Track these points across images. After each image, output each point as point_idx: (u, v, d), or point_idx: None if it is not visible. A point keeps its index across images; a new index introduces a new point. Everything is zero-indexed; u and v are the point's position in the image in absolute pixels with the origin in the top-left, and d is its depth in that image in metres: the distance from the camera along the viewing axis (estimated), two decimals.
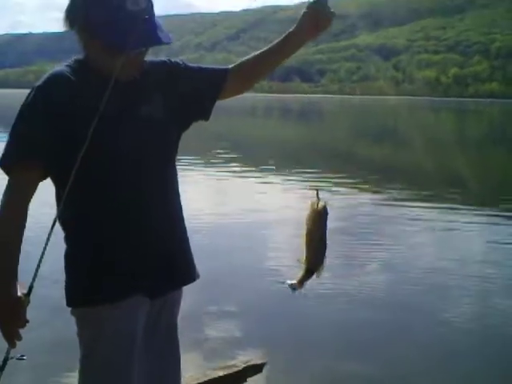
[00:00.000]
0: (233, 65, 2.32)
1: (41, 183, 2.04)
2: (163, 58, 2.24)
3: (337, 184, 12.42)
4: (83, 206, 2.04)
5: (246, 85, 2.37)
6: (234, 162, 16.98)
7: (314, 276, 2.14)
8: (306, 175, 13.98)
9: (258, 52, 2.31)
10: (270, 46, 2.29)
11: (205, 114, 2.29)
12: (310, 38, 2.26)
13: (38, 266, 1.95)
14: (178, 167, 2.22)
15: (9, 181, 1.98)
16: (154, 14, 2.03)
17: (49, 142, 1.96)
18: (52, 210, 2.01)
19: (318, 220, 2.08)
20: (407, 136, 29.39)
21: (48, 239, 1.93)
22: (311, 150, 21.67)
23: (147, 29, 1.98)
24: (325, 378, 4.21)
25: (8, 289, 1.94)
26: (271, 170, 15.34)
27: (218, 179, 13.60)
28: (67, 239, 2.10)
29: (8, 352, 1.97)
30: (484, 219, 9.76)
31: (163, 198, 2.14)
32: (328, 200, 2.10)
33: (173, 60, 2.24)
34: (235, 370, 3.99)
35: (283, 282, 2.20)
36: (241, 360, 4.12)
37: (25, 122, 1.99)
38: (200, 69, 2.28)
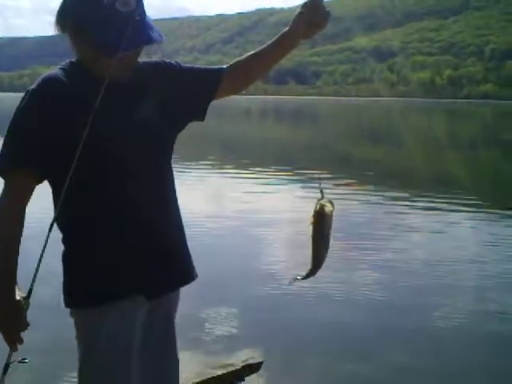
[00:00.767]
0: (228, 65, 2.31)
1: (40, 186, 2.05)
2: (157, 59, 2.24)
3: (333, 185, 12.44)
4: (80, 208, 2.04)
5: (240, 85, 2.37)
6: (229, 163, 16.98)
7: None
8: (301, 176, 14.00)
9: (253, 52, 2.31)
10: (264, 46, 2.29)
11: (200, 115, 2.29)
12: (305, 37, 2.25)
13: (37, 269, 1.95)
14: (173, 169, 2.24)
15: (4, 185, 1.99)
16: (145, 13, 2.02)
17: (43, 148, 1.96)
18: (50, 212, 2.02)
19: (325, 219, 2.07)
20: (402, 138, 29.41)
21: (46, 241, 1.94)
22: (306, 151, 21.67)
23: (138, 29, 1.97)
24: (322, 377, 4.22)
25: (7, 293, 1.95)
26: (266, 171, 15.34)
27: (213, 181, 13.61)
28: (65, 241, 2.11)
29: (10, 356, 1.97)
30: (477, 219, 9.81)
31: (160, 199, 2.14)
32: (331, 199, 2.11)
33: (167, 61, 2.24)
34: (233, 369, 4.01)
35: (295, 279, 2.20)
36: (238, 359, 4.15)
37: (19, 128, 1.99)
38: (194, 69, 2.28)
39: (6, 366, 1.98)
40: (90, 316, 2.07)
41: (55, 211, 2.02)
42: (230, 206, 10.53)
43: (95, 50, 1.99)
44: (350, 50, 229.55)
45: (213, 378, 3.90)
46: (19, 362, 2.03)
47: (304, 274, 2.17)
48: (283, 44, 2.28)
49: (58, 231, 2.10)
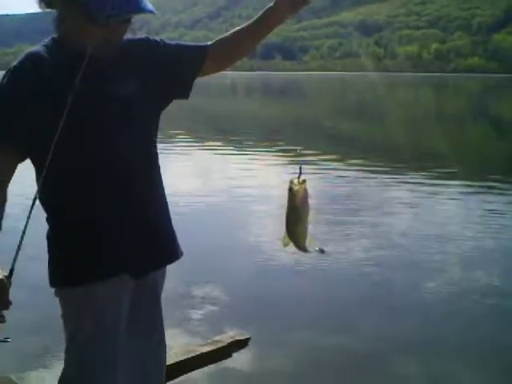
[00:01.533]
0: (213, 41, 2.29)
1: (24, 165, 2.03)
2: (142, 36, 2.21)
3: (319, 159, 12.45)
4: (63, 187, 2.03)
5: (225, 62, 2.34)
6: (214, 139, 16.94)
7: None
8: (287, 152, 13.98)
9: (238, 28, 2.28)
10: (250, 22, 2.26)
11: (184, 93, 2.27)
12: (291, 13, 2.22)
13: (19, 247, 1.93)
14: (158, 145, 2.22)
15: None
16: None
17: (25, 126, 1.94)
18: (33, 190, 1.99)
19: (299, 199, 2.05)
20: (388, 112, 29.39)
21: (28, 220, 1.92)
22: (292, 127, 21.63)
23: None
24: (309, 352, 4.24)
25: None
26: (253, 146, 15.32)
27: (198, 157, 13.58)
28: (49, 219, 2.10)
29: None
30: (463, 192, 9.86)
31: (145, 176, 2.13)
32: (307, 178, 2.07)
33: (151, 38, 2.21)
34: (220, 345, 4.03)
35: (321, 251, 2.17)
36: (226, 335, 4.17)
37: (1, 105, 1.97)
38: (179, 46, 2.25)
39: None
40: (75, 294, 2.06)
41: (37, 189, 2.00)
42: (216, 183, 10.52)
43: (85, 18, 1.93)
44: (337, 25, 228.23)
45: (200, 354, 3.92)
46: (1, 341, 2.03)
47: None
48: (269, 20, 2.24)
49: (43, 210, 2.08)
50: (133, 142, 2.08)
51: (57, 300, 2.12)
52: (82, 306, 2.06)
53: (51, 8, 2.02)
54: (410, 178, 11.01)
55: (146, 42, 2.20)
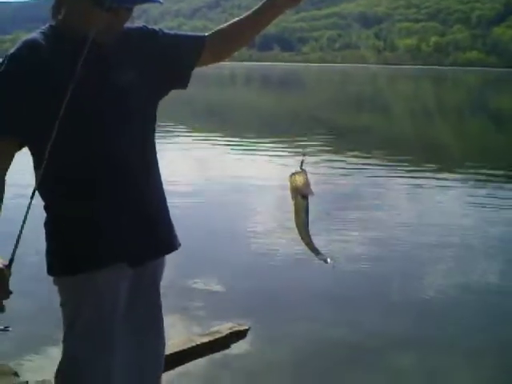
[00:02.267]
0: (211, 32, 2.27)
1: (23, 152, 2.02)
2: (139, 24, 2.19)
3: (319, 150, 12.46)
4: (62, 175, 2.02)
5: (223, 53, 2.33)
6: (214, 130, 16.92)
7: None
8: (286, 144, 13.97)
9: (237, 19, 2.26)
10: (248, 13, 2.24)
11: (182, 82, 2.26)
12: (292, 5, 2.21)
13: (19, 237, 1.92)
14: (157, 136, 2.21)
15: None
16: None
17: (23, 114, 1.92)
18: (32, 179, 1.98)
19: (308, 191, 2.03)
20: (388, 105, 29.40)
21: (28, 209, 1.90)
22: (291, 118, 21.63)
23: None
24: (307, 343, 4.25)
25: None
26: (252, 137, 15.31)
27: (198, 148, 13.55)
28: (47, 208, 2.09)
29: None
30: (463, 184, 9.90)
31: (142, 166, 2.12)
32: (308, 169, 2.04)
33: (149, 27, 2.20)
34: (219, 336, 4.04)
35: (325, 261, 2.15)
36: (224, 326, 4.17)
37: None
38: (177, 36, 2.24)
39: None
40: (73, 283, 2.06)
41: (36, 178, 1.99)
42: (215, 174, 10.50)
43: (91, 2, 1.91)
44: (337, 16, 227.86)
45: (199, 345, 3.92)
46: (2, 330, 2.02)
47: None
48: (268, 11, 2.22)
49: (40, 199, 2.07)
50: (130, 131, 2.06)
51: (55, 288, 2.11)
52: (80, 294, 2.06)
53: None
54: (411, 170, 11.03)
55: (144, 31, 2.18)
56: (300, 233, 2.08)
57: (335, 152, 13.24)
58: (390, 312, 4.78)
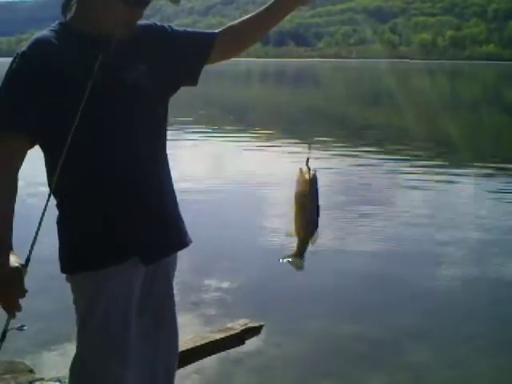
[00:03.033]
0: (221, 28, 2.26)
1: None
2: (149, 22, 2.18)
3: (333, 147, 12.42)
4: (75, 173, 2.02)
5: (233, 50, 2.31)
6: (229, 126, 16.92)
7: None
8: (299, 139, 13.94)
9: (248, 16, 2.25)
10: (260, 9, 2.22)
11: (192, 79, 2.25)
12: (301, 3, 2.19)
13: (35, 237, 1.94)
14: (171, 133, 2.21)
15: None
16: None
17: (35, 112, 1.93)
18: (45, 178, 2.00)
19: (308, 189, 2.00)
20: (404, 100, 29.22)
21: (45, 209, 1.92)
22: (307, 114, 21.57)
23: None
24: (322, 339, 4.26)
25: (2, 260, 1.92)
26: (267, 134, 15.28)
27: (212, 144, 13.56)
28: (60, 206, 2.09)
29: (8, 323, 1.96)
30: (479, 178, 9.85)
31: (155, 165, 2.12)
32: (317, 167, 2.02)
33: (158, 24, 2.20)
34: (233, 332, 4.02)
35: (284, 260, 2.16)
36: (238, 323, 4.15)
37: (9, 91, 1.95)
38: (187, 32, 2.23)
39: (4, 333, 1.98)
40: (87, 280, 2.06)
41: (49, 177, 2.00)
42: (229, 171, 10.50)
43: None
44: (352, 11, 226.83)
45: (213, 341, 3.91)
46: (17, 329, 2.03)
47: (293, 256, 2.15)
48: (281, 8, 2.20)
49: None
50: (142, 129, 2.07)
51: (69, 286, 2.12)
52: (93, 291, 2.06)
53: None
54: (424, 166, 10.97)
55: (154, 27, 2.18)
56: (299, 227, 2.06)
57: (350, 146, 13.20)
58: (404, 307, 4.77)
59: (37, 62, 1.94)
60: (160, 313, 2.24)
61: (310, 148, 2.03)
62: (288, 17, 2.26)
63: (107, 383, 2.09)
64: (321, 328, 4.42)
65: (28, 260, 1.95)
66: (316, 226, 2.08)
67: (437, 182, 9.56)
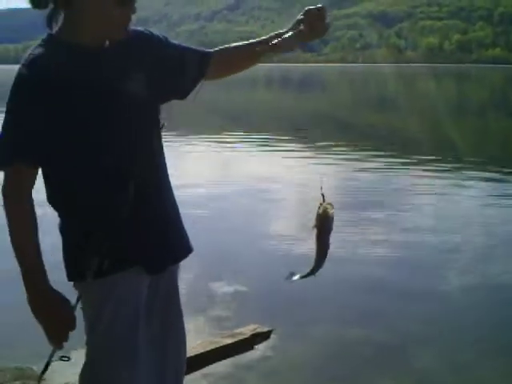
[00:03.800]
0: (216, 49, 2.29)
1: None
2: (141, 28, 2.16)
3: (339, 152, 12.41)
4: (75, 184, 2.01)
5: (222, 74, 2.36)
6: (234, 131, 16.92)
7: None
8: (306, 145, 13.96)
9: (242, 44, 2.29)
10: (254, 41, 2.26)
11: (182, 93, 2.25)
12: (303, 41, 2.21)
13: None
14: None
15: (5, 178, 1.95)
16: None
17: (39, 134, 1.92)
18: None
19: (325, 225, 2.12)
20: (411, 104, 29.20)
21: None
22: (314, 119, 21.57)
23: None
24: (331, 344, 4.25)
25: (43, 287, 1.96)
26: (272, 140, 15.28)
27: (217, 151, 13.55)
28: (62, 216, 2.09)
29: (53, 354, 1.97)
30: (487, 182, 9.82)
31: (153, 173, 2.12)
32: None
33: (154, 33, 2.17)
34: (242, 337, 4.02)
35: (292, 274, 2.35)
36: (248, 328, 4.15)
37: (13, 117, 1.94)
38: (183, 48, 2.22)
39: (47, 364, 2.01)
40: (94, 286, 2.05)
41: (47, 188, 2.03)
42: (236, 177, 10.49)
43: (115, 1, 1.91)
44: (357, 16, 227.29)
45: (223, 346, 3.91)
46: (61, 359, 2.03)
47: (305, 273, 2.32)
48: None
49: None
50: (136, 138, 2.06)
51: (76, 293, 2.11)
52: (101, 297, 2.05)
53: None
54: (432, 170, 10.93)
55: (146, 35, 2.15)
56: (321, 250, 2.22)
57: (356, 151, 13.19)
58: (410, 312, 4.76)
59: (36, 85, 1.92)
60: (167, 318, 2.24)
61: (322, 182, 2.09)
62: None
63: None
64: (329, 333, 4.41)
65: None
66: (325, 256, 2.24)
67: (444, 186, 9.52)
